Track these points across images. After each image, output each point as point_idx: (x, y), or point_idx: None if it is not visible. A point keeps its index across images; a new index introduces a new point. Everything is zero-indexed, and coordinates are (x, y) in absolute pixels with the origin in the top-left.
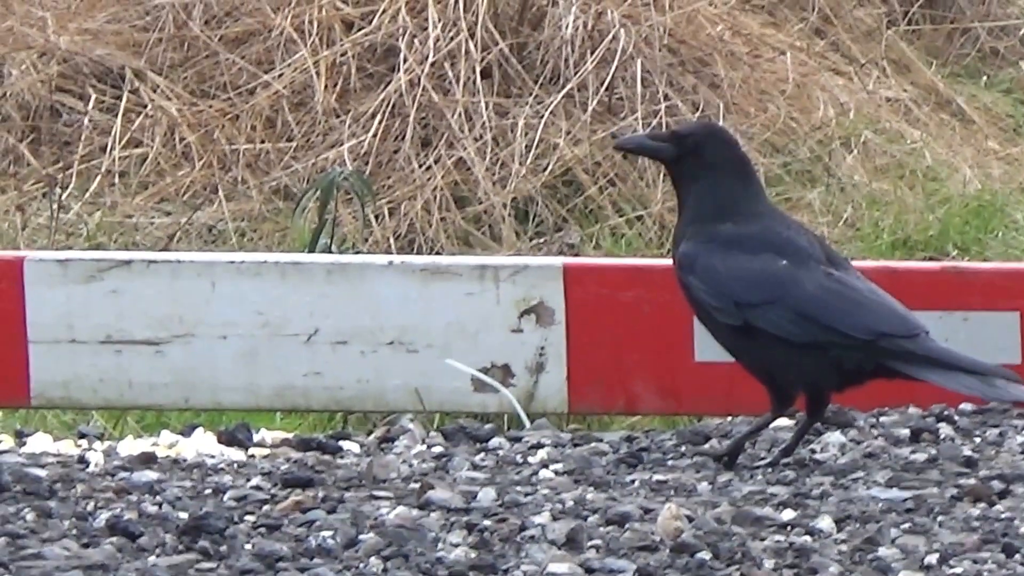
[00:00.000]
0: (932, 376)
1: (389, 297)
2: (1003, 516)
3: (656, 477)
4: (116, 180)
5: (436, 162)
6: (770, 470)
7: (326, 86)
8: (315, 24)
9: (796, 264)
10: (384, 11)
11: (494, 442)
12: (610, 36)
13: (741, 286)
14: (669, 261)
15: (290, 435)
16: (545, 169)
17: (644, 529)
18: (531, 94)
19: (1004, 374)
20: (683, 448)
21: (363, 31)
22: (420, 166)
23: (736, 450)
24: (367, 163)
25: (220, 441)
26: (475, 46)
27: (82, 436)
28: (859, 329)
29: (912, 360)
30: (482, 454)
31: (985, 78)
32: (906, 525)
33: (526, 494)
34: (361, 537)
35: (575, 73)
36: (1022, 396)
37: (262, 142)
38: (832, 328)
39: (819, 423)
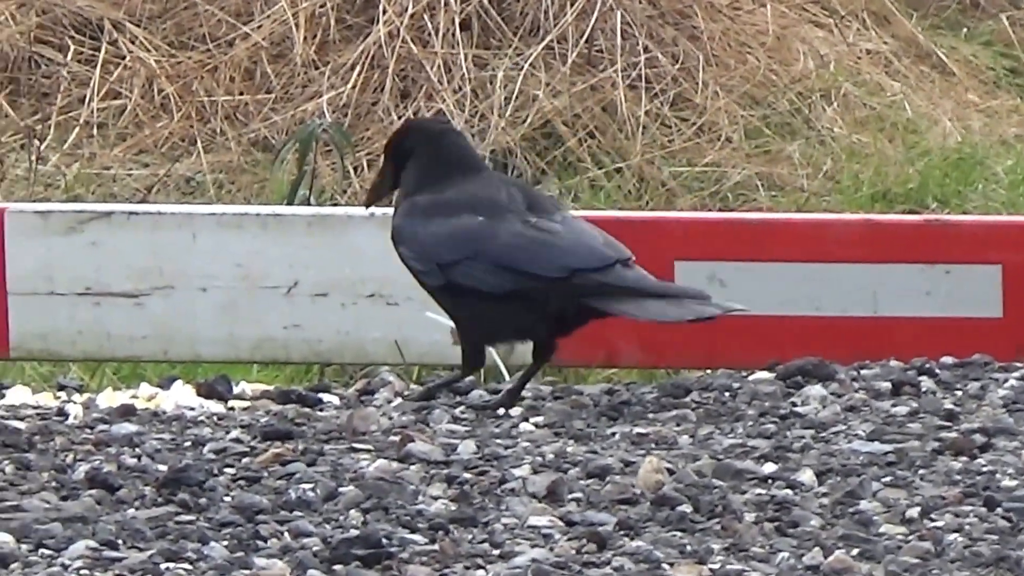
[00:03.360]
0: (625, 308)
1: (369, 249)
2: (984, 469)
3: (637, 430)
4: (94, 132)
5: (415, 114)
6: (750, 423)
7: (305, 37)
8: None
9: (491, 218)
10: None
11: (474, 395)
12: None
13: (441, 247)
14: (650, 213)
15: (270, 387)
16: (524, 121)
17: (625, 482)
18: (510, 46)
19: (695, 294)
20: (663, 401)
21: None
22: (399, 118)
23: (428, 396)
24: (346, 115)
25: (199, 393)
26: None
27: (61, 388)
28: (551, 268)
29: (608, 294)
30: (462, 407)
31: (965, 30)
32: (887, 478)
33: (506, 447)
34: (341, 490)
35: (555, 25)
36: (708, 313)
37: (241, 94)
38: (526, 272)
39: (545, 364)
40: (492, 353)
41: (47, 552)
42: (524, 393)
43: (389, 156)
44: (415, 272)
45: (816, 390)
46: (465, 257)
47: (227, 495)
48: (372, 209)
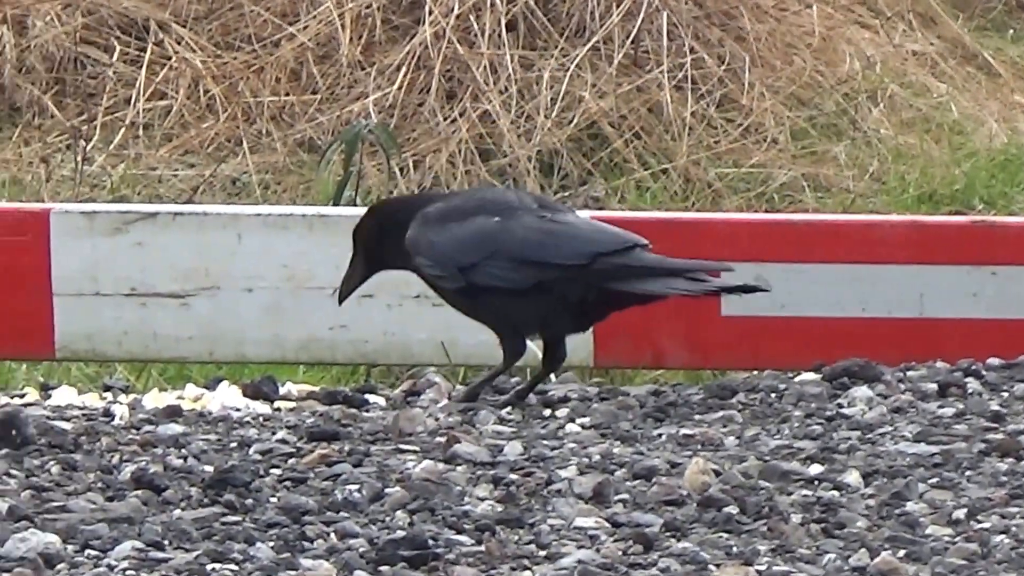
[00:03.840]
0: (642, 286)
1: None
2: None
3: (683, 431)
4: (140, 132)
5: (461, 115)
6: (796, 425)
7: (351, 38)
8: None
9: (506, 217)
10: None
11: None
12: None
13: (459, 251)
14: (696, 214)
15: (315, 388)
16: (570, 122)
17: (671, 483)
18: (556, 47)
19: (711, 267)
20: (709, 402)
21: None
22: (445, 119)
23: (473, 396)
24: (392, 116)
25: (245, 394)
26: None
27: (107, 389)
28: (574, 255)
29: (629, 276)
30: (508, 408)
31: (1012, 31)
32: (934, 480)
33: (552, 448)
34: (387, 491)
35: (601, 26)
36: (724, 284)
37: (287, 94)
38: (548, 263)
39: (553, 372)
40: (539, 354)
41: (93, 553)
42: (570, 394)
43: (358, 243)
44: (434, 279)
45: (862, 391)
46: (485, 257)
47: (273, 496)
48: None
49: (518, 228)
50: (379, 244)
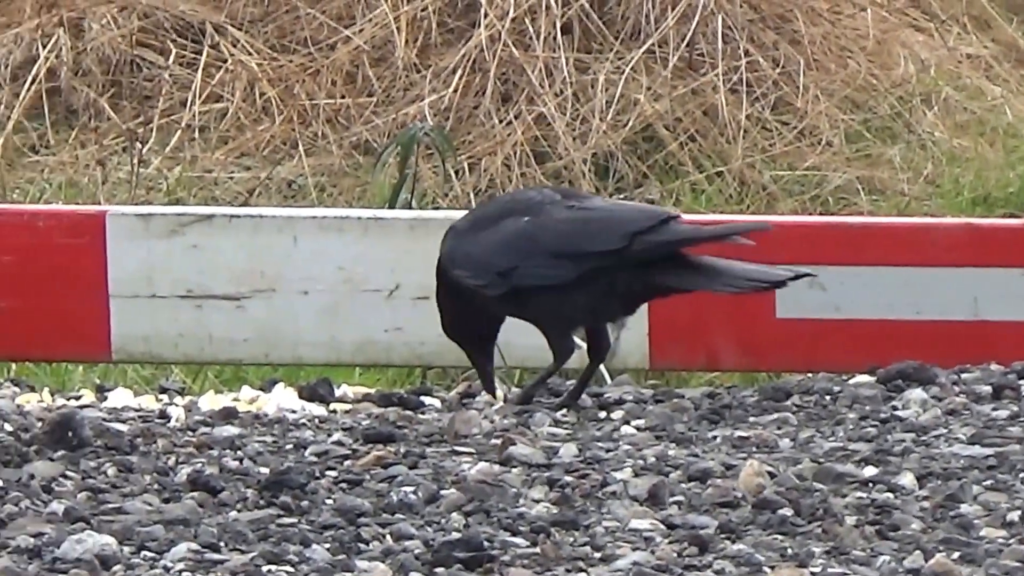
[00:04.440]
0: (692, 282)
1: None
2: None
3: (738, 433)
4: (196, 135)
5: (516, 117)
6: (850, 427)
7: (407, 41)
8: None
9: (536, 214)
10: None
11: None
12: None
13: (495, 256)
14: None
15: (371, 390)
16: (625, 125)
17: (726, 485)
18: (612, 50)
19: (745, 228)
20: (764, 405)
21: None
22: (500, 121)
23: (528, 398)
24: (447, 118)
25: (301, 396)
26: (556, 1)
27: (163, 391)
28: (610, 240)
29: (675, 262)
30: (563, 410)
31: None
32: (988, 482)
33: (607, 450)
34: (443, 492)
35: (656, 29)
36: (779, 276)
37: (342, 97)
38: (587, 253)
39: (601, 364)
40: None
41: (149, 554)
42: (625, 396)
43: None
44: (475, 289)
45: (916, 394)
46: (523, 258)
47: (329, 498)
48: None
49: (550, 223)
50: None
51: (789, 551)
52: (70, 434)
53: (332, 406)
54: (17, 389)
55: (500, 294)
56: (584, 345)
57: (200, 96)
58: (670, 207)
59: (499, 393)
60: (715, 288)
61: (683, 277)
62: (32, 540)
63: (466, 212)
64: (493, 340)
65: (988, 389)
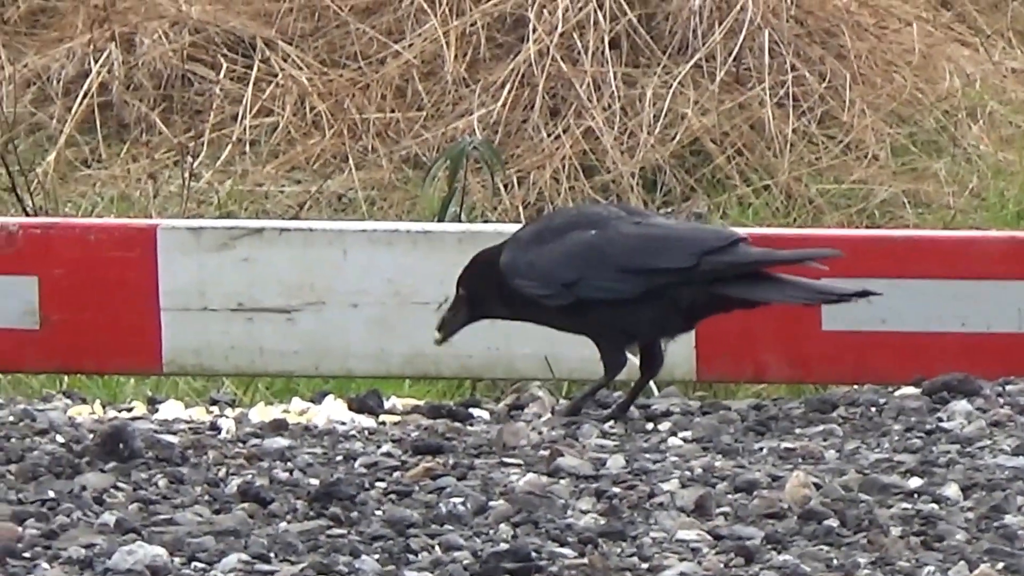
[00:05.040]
0: (757, 295)
1: None
2: None
3: (784, 445)
4: (247, 149)
5: (565, 131)
6: (896, 438)
7: (456, 56)
8: None
9: (602, 228)
10: None
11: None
12: (738, 7)
13: (562, 267)
14: (797, 230)
15: (420, 402)
16: (673, 139)
17: (772, 496)
18: (659, 64)
19: (817, 255)
20: (810, 416)
21: (492, 1)
22: (549, 135)
23: (576, 410)
24: (496, 132)
25: (351, 408)
26: (604, 16)
27: (213, 403)
28: (680, 258)
29: (738, 278)
30: (611, 421)
31: None
32: None
33: (655, 461)
34: (491, 503)
35: (703, 43)
36: (846, 290)
37: (392, 111)
38: (657, 269)
39: (652, 380)
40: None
41: (200, 565)
42: (673, 408)
43: (462, 289)
44: (537, 299)
45: (961, 405)
46: (589, 270)
47: (378, 509)
48: (521, 226)
49: (618, 237)
50: (483, 292)
51: (835, 562)
52: (121, 446)
53: (381, 418)
54: (69, 401)
55: (562, 305)
56: (636, 359)
57: (251, 110)
58: (736, 229)
59: None
60: (783, 300)
61: (749, 290)
62: (84, 551)
63: (526, 223)
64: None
65: None
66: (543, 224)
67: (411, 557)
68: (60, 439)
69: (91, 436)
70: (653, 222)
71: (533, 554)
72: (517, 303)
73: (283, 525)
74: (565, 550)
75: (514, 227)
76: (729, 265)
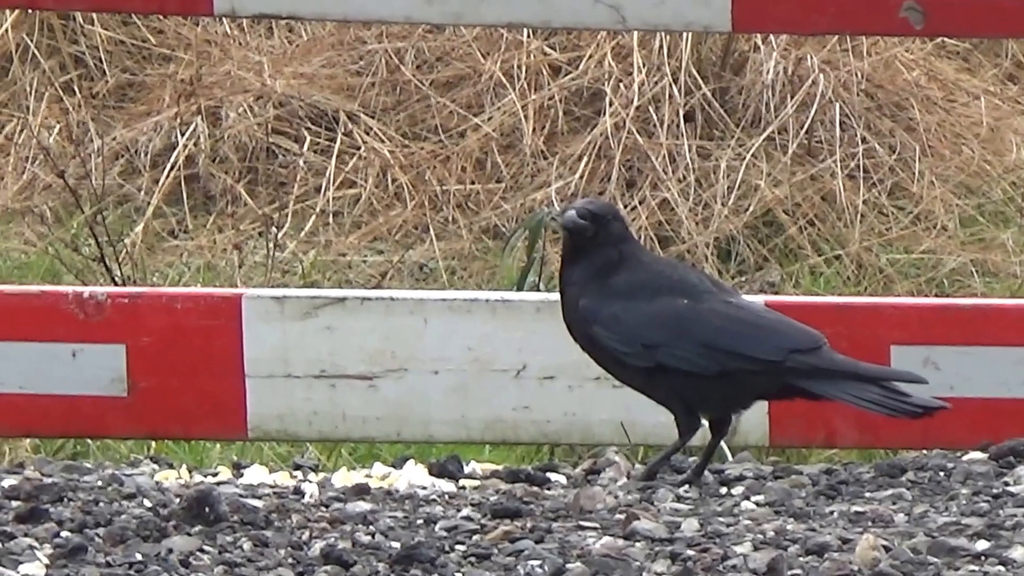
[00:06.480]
0: (835, 392)
1: None
2: None
3: (854, 508)
4: (330, 219)
5: (640, 203)
6: (963, 502)
7: (534, 129)
8: (523, 69)
9: (694, 300)
10: (590, 56)
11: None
12: (809, 81)
13: (646, 328)
14: (867, 299)
15: (499, 467)
16: (746, 210)
17: (842, 559)
18: (733, 137)
19: (911, 377)
20: (880, 480)
21: (570, 76)
22: (625, 207)
23: (652, 475)
24: None
25: (431, 473)
26: (679, 90)
27: (297, 468)
28: (766, 350)
29: (818, 375)
30: (686, 486)
31: None
32: None
33: (728, 524)
34: (568, 566)
35: (775, 117)
36: (929, 404)
37: (472, 183)
38: (739, 354)
39: (722, 439)
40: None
41: None
42: (746, 472)
43: (593, 223)
44: (611, 352)
45: None
46: (672, 338)
47: (458, 571)
48: None
49: (709, 314)
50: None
51: None
52: (207, 510)
53: (461, 482)
54: (156, 466)
55: (643, 367)
56: (707, 422)
57: (334, 182)
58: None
59: None
60: (858, 405)
61: (825, 387)
62: None
63: (618, 262)
64: None
65: None
66: (637, 278)
67: None
68: (147, 503)
69: (177, 500)
70: (743, 304)
71: None
72: (587, 345)
73: None
74: None
75: None
76: (814, 368)
